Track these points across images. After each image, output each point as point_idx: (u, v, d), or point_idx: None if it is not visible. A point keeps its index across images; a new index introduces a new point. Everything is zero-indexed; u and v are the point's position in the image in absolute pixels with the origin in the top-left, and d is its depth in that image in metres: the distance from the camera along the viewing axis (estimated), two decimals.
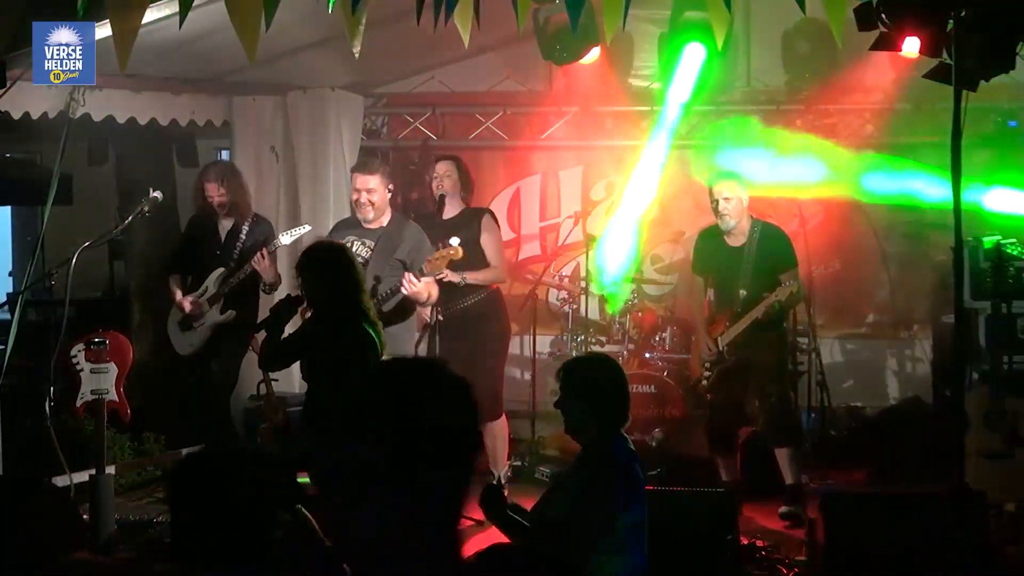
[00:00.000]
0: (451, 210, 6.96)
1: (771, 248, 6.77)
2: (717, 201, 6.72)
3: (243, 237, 7.18)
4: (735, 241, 6.80)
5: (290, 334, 5.44)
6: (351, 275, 5.26)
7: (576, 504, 3.90)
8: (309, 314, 5.58)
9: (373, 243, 6.39)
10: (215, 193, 7.16)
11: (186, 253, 7.39)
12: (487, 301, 6.97)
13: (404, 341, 6.31)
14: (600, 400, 4.06)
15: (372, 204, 6.39)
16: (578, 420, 4.09)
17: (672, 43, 7.80)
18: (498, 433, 6.95)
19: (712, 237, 6.97)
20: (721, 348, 6.74)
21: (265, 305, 6.71)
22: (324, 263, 5.21)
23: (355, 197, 6.46)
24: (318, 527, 5.02)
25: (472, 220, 6.97)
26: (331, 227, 7.01)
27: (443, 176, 6.97)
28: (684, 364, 8.03)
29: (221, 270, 7.12)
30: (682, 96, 8.09)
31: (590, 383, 4.11)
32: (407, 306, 6.26)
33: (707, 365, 6.84)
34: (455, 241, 6.29)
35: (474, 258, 6.75)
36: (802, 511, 6.40)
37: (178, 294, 7.20)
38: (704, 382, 6.82)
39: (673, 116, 8.28)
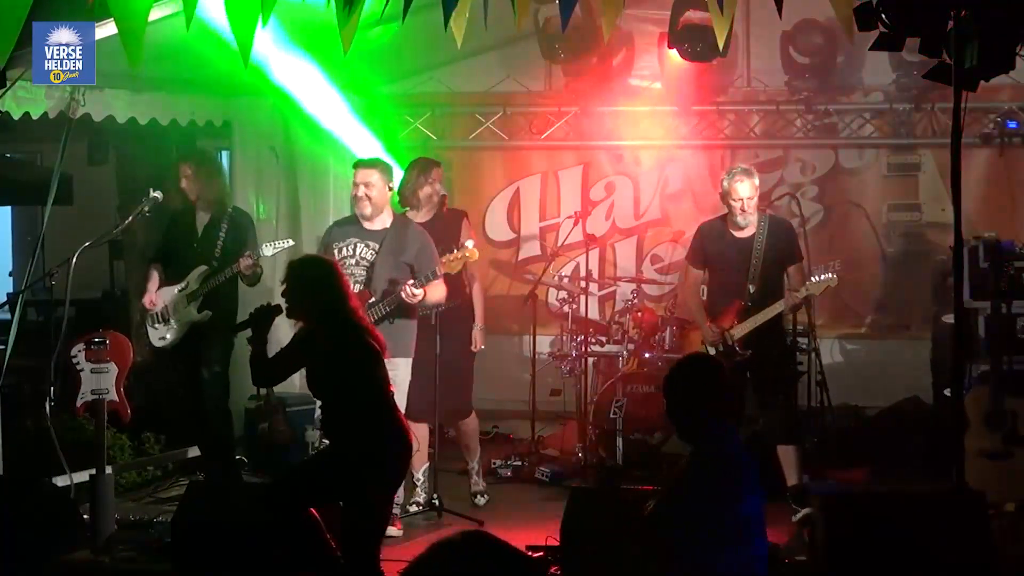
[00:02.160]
0: (424, 215, 6.97)
1: (779, 242, 6.68)
2: (742, 200, 6.60)
3: (222, 234, 7.18)
4: (743, 233, 6.70)
5: (284, 348, 5.38)
6: (338, 290, 5.21)
7: (691, 500, 4.00)
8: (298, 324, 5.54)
9: (377, 245, 6.39)
10: (183, 175, 7.18)
11: (168, 246, 7.39)
12: (465, 302, 7.05)
13: (406, 338, 6.37)
14: (703, 399, 4.13)
15: (370, 199, 6.37)
16: (688, 424, 4.18)
17: None
18: (471, 430, 7.18)
19: (716, 229, 6.85)
20: (732, 343, 6.60)
21: (244, 308, 6.67)
22: (312, 280, 5.16)
23: (354, 192, 6.45)
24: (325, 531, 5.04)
25: (452, 222, 7.00)
26: (329, 225, 7.01)
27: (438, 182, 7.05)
28: None
29: (204, 268, 7.13)
30: None
31: (690, 386, 4.18)
32: (410, 304, 6.28)
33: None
34: (470, 243, 6.30)
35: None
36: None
37: (153, 285, 7.24)
38: None
39: None
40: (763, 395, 6.71)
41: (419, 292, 6.16)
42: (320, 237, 7.03)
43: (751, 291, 6.61)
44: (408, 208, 6.94)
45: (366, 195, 6.38)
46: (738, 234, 6.71)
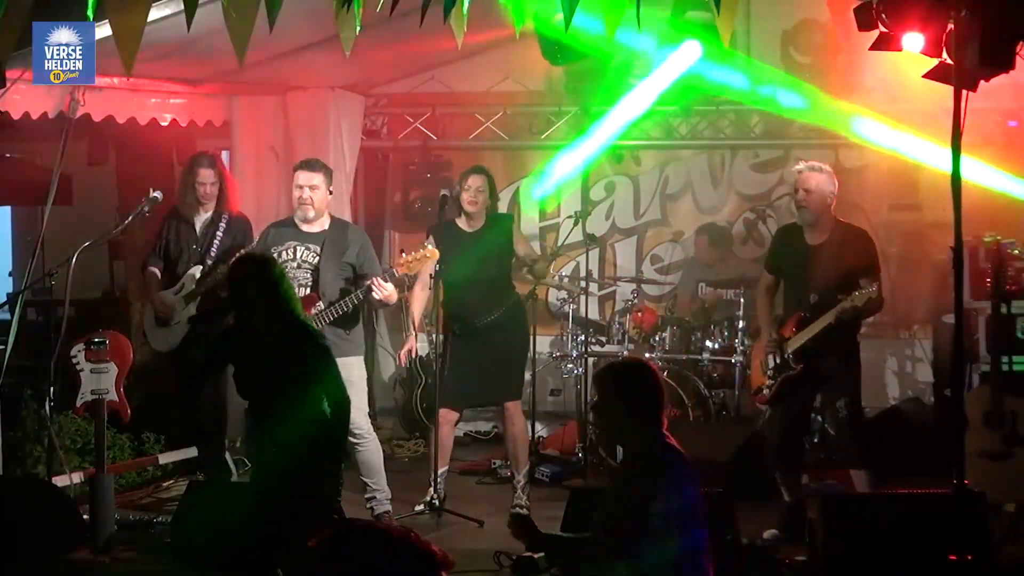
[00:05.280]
0: (475, 222, 6.82)
1: (851, 251, 6.27)
2: (797, 191, 6.32)
3: (220, 235, 7.19)
4: (814, 239, 6.35)
5: (208, 348, 5.38)
6: (286, 288, 5.30)
7: (617, 503, 4.11)
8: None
9: (319, 247, 6.41)
10: (209, 180, 7.18)
11: (164, 247, 7.37)
12: (509, 313, 6.86)
13: (358, 336, 6.47)
14: (635, 400, 4.19)
15: (313, 202, 6.41)
16: (616, 422, 4.27)
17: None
18: (520, 432, 6.92)
19: (791, 232, 6.53)
20: (787, 355, 6.25)
21: None
22: (260, 279, 5.24)
23: (298, 194, 6.44)
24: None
25: (500, 230, 6.85)
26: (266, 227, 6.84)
27: (476, 191, 6.75)
28: (684, 364, 8.04)
29: (199, 267, 7.13)
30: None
31: (625, 385, 4.23)
32: (358, 309, 6.36)
33: (770, 373, 6.33)
34: (430, 244, 6.39)
35: (511, 265, 6.81)
36: None
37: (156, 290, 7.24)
38: (765, 391, 6.35)
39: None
40: (831, 410, 6.50)
41: (389, 285, 6.22)
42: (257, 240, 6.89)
43: (812, 301, 6.23)
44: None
45: (310, 198, 6.42)
46: (811, 241, 6.36)
